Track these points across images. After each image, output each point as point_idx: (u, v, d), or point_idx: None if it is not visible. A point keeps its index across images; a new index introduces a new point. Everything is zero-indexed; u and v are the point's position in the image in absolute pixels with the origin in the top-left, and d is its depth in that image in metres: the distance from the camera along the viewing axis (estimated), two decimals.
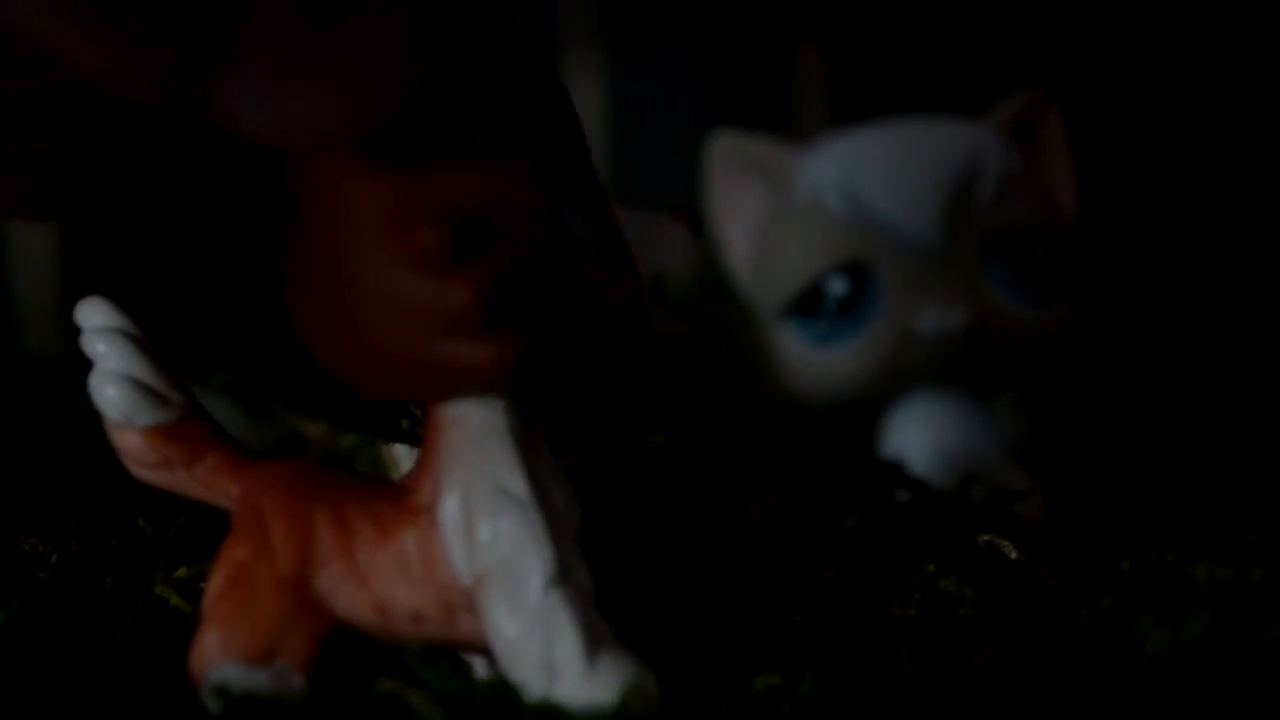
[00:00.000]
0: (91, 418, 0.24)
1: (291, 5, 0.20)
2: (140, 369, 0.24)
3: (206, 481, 0.25)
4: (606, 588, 0.23)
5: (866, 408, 0.42)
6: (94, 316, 0.24)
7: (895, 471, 0.37)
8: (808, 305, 0.41)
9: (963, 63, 0.78)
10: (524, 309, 0.22)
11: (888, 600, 0.29)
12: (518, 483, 0.23)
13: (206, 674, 0.23)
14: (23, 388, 0.52)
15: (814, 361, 0.41)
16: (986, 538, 0.31)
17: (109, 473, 0.37)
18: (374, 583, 0.23)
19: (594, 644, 0.22)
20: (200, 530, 0.30)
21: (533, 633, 0.22)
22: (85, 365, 0.24)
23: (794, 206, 0.42)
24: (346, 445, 0.37)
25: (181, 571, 0.28)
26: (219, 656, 0.23)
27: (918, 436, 0.41)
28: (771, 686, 0.23)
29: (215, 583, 0.24)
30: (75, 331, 0.24)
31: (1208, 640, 0.25)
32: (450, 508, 0.23)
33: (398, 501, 0.24)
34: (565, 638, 0.22)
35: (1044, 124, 0.44)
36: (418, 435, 0.30)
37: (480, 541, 0.23)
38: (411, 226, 0.22)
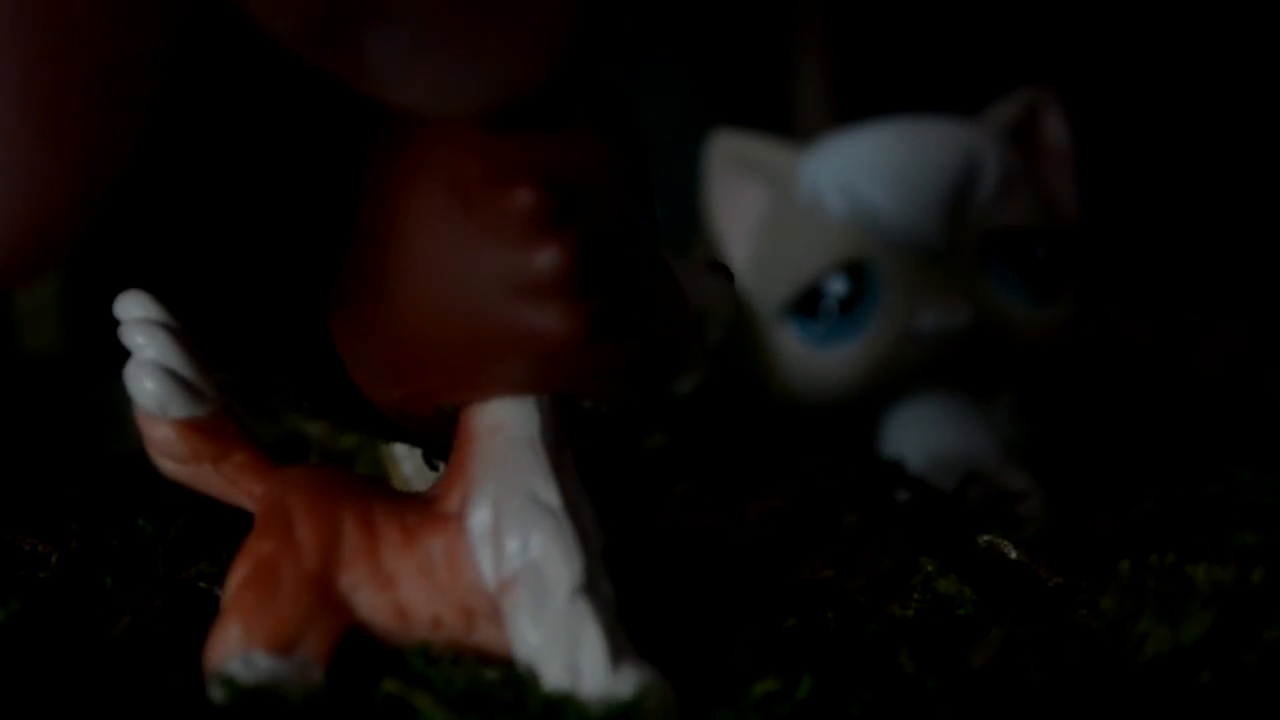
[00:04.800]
0: (92, 417, 0.24)
1: None
2: (178, 361, 0.24)
3: (232, 479, 0.25)
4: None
5: (866, 408, 0.42)
6: (133, 308, 0.24)
7: (895, 471, 0.37)
8: (808, 305, 0.41)
9: (963, 63, 0.78)
10: (602, 281, 0.22)
11: (887, 600, 0.29)
12: (551, 493, 0.23)
13: (228, 660, 0.23)
14: (23, 388, 0.51)
15: (814, 361, 0.41)
16: (986, 538, 0.31)
17: (109, 472, 0.37)
18: (397, 587, 0.23)
19: (616, 652, 0.22)
20: (200, 530, 0.30)
21: (558, 638, 0.22)
22: (85, 365, 0.24)
23: (794, 206, 0.42)
24: (346, 445, 0.37)
25: (202, 566, 0.28)
26: (240, 646, 0.23)
27: (917, 436, 0.41)
28: (770, 692, 0.23)
29: (238, 575, 0.24)
30: (75, 331, 0.24)
31: (1208, 640, 0.25)
32: (481, 515, 0.23)
33: (425, 508, 0.24)
34: (590, 644, 0.22)
35: (1044, 123, 0.44)
36: (417, 436, 0.30)
37: (508, 549, 0.23)
38: (509, 186, 0.22)
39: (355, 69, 0.20)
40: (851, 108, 0.72)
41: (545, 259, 0.22)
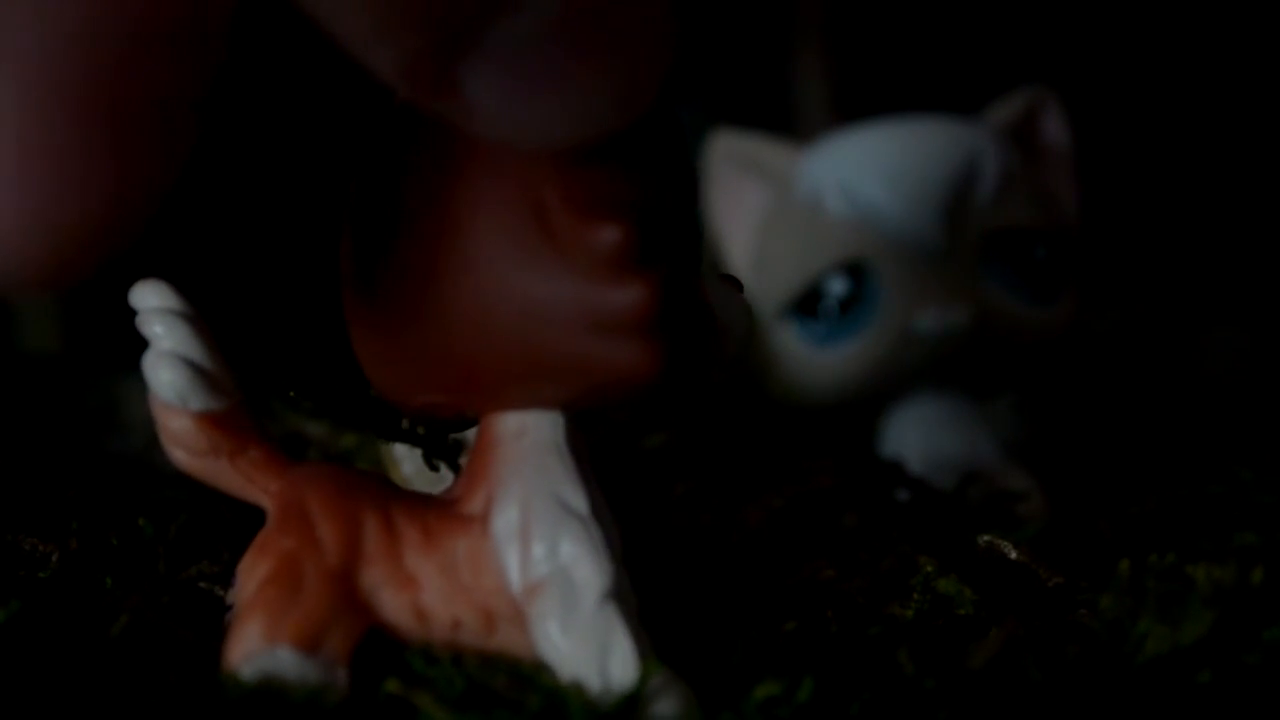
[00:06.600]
0: (92, 417, 0.24)
1: (554, 7, 0.19)
2: (197, 352, 0.23)
3: (248, 474, 0.24)
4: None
5: (866, 408, 0.42)
6: (150, 298, 0.23)
7: (895, 471, 0.37)
8: (808, 305, 0.41)
9: (963, 63, 0.78)
10: (675, 318, 0.22)
11: (887, 600, 0.29)
12: (579, 498, 0.23)
13: (251, 658, 0.23)
14: (23, 388, 0.52)
15: (814, 361, 0.41)
16: (986, 538, 0.31)
17: (109, 472, 0.37)
18: (417, 587, 0.23)
19: (644, 657, 0.23)
20: (200, 530, 0.30)
21: (588, 644, 0.22)
22: (85, 365, 0.24)
23: (794, 206, 0.42)
24: (346, 445, 0.37)
25: (203, 566, 0.28)
26: (262, 643, 0.23)
27: (917, 436, 0.41)
28: (771, 696, 0.23)
29: (259, 571, 0.23)
30: (75, 331, 0.24)
31: (1208, 640, 0.25)
32: (508, 519, 0.23)
33: (444, 510, 0.24)
34: (620, 649, 0.22)
35: (1044, 123, 0.44)
36: (418, 435, 0.30)
37: (535, 554, 0.23)
38: (596, 220, 0.21)
39: (456, 105, 0.19)
40: (851, 108, 0.72)
41: (629, 297, 0.21)
